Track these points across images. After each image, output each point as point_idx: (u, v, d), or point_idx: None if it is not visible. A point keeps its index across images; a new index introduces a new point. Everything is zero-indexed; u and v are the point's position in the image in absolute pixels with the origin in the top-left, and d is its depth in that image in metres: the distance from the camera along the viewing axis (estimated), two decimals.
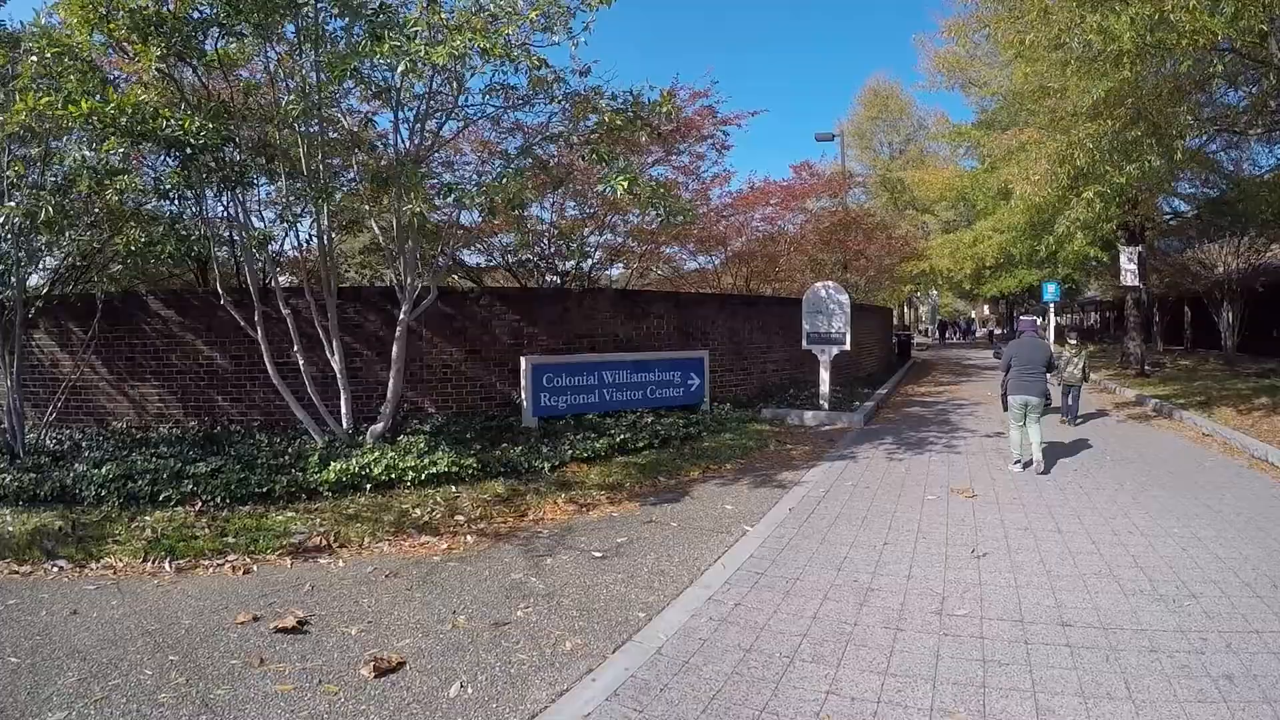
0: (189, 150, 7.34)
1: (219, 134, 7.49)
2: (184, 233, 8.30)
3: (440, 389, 10.97)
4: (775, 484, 8.58)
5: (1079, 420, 13.16)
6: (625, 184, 7.35)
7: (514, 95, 9.10)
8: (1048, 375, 9.29)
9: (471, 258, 17.34)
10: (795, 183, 18.73)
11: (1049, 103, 12.77)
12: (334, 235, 10.90)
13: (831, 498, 7.88)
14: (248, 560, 6.01)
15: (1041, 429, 9.20)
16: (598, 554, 6.11)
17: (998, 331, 62.17)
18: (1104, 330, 43.70)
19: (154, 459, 8.08)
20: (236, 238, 9.93)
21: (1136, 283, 19.60)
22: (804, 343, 14.01)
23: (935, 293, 58.10)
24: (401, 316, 8.88)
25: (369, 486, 7.85)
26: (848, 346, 13.83)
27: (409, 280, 8.88)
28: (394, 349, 9.02)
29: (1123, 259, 19.57)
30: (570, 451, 9.19)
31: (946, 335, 64.13)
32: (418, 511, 7.33)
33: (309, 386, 9.01)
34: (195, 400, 10.62)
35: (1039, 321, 10.40)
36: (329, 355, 9.20)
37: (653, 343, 12.76)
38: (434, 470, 8.15)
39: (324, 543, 6.43)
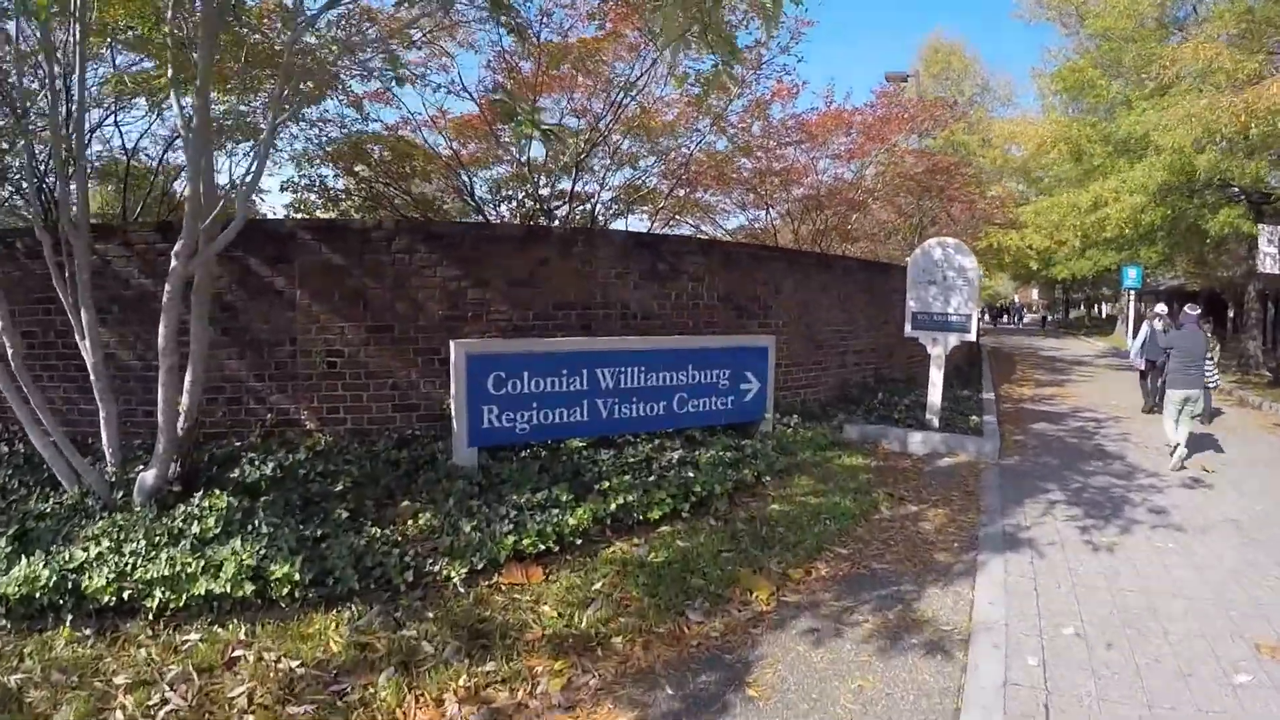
0: None
1: None
2: None
3: (324, 392, 6.57)
4: (925, 628, 4.19)
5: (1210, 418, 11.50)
6: None
7: None
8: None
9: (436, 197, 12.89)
10: (881, 110, 13.90)
11: None
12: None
13: (1053, 676, 3.51)
14: None
15: (1190, 422, 8.72)
16: None
17: (1050, 318, 57.19)
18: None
19: None
20: None
21: (1278, 269, 15.07)
22: (908, 327, 9.41)
23: (980, 271, 52.56)
24: (174, 262, 4.47)
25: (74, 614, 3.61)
26: (973, 336, 9.22)
27: (199, 188, 4.46)
28: (168, 321, 4.62)
29: (1262, 239, 15.16)
30: (512, 533, 4.73)
31: (1000, 320, 59.05)
32: None
33: (31, 398, 4.67)
34: None
35: (1198, 312, 9.67)
36: (79, 338, 4.87)
37: (684, 320, 8.30)
38: (213, 586, 3.82)
39: None
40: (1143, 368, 12.54)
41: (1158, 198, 16.03)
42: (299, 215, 12.72)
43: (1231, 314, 31.14)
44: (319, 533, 4.47)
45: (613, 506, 5.30)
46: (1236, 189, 16.60)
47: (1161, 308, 12.68)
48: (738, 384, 7.57)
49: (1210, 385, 10.66)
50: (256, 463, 5.41)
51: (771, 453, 7.22)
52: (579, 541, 5.01)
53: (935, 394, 9.23)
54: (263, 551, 4.03)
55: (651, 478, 5.93)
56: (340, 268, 6.53)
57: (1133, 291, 27.64)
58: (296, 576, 3.93)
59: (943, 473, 7.87)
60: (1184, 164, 14.69)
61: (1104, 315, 52.78)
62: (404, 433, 6.62)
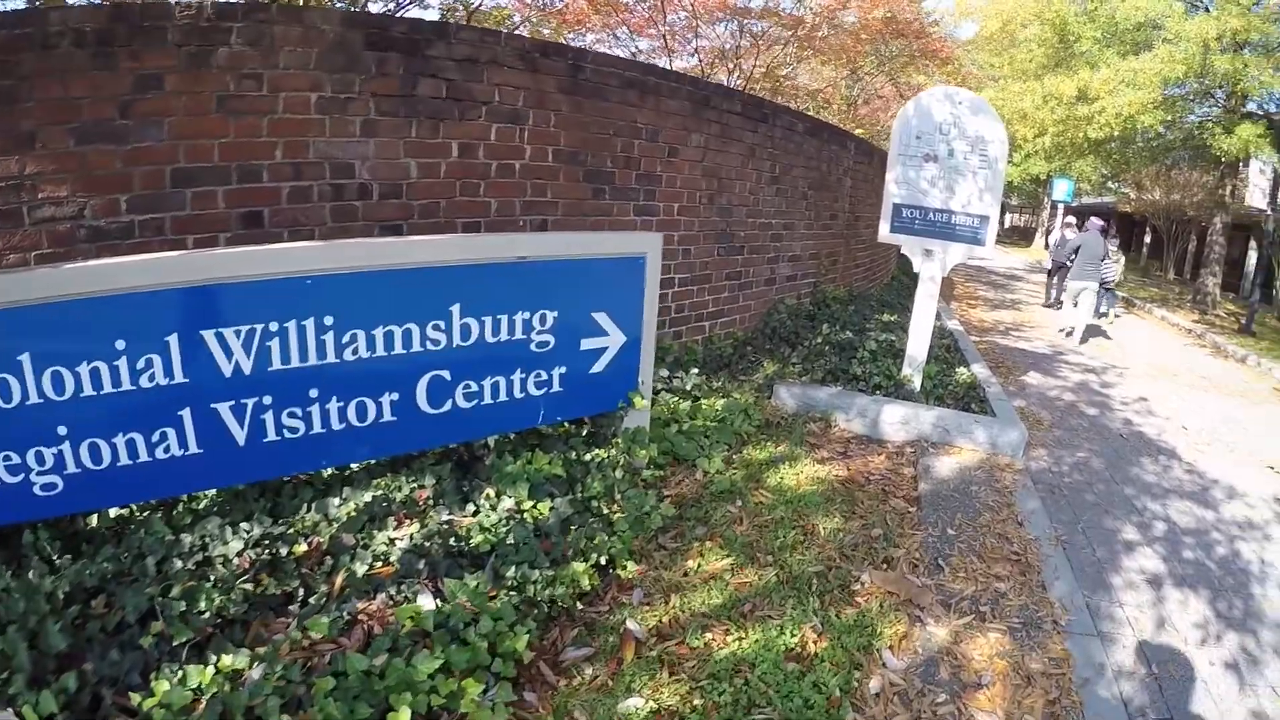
0: None
1: None
2: None
3: None
4: None
5: (1113, 316, 13.32)
6: None
7: None
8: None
9: None
10: None
11: None
12: None
13: None
14: None
15: (1087, 312, 10.56)
16: None
17: None
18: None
19: None
20: None
21: (1265, 205, 12.75)
22: (884, 227, 5.71)
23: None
24: None
25: None
26: (989, 250, 5.58)
27: None
28: None
29: (1254, 168, 13.90)
30: None
31: None
32: None
33: None
34: None
35: (1101, 225, 11.10)
36: None
37: (480, 201, 4.46)
38: None
39: None
40: (1051, 268, 14.41)
41: (1159, 100, 13.31)
42: None
43: (1149, 239, 29.51)
44: None
45: None
46: (1256, 103, 14.23)
47: (1071, 219, 14.61)
48: (576, 340, 3.63)
49: (1107, 281, 12.00)
50: None
51: (641, 487, 3.67)
52: None
53: (920, 338, 5.72)
54: None
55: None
56: None
57: (1062, 205, 25.30)
58: None
59: (951, 497, 4.42)
60: (1204, 63, 12.18)
61: (1009, 227, 51.82)
62: None
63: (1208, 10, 13.13)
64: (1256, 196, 13.00)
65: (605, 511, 3.43)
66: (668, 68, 10.38)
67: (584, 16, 10.86)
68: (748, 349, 6.15)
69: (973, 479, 4.69)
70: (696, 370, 5.16)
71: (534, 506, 3.23)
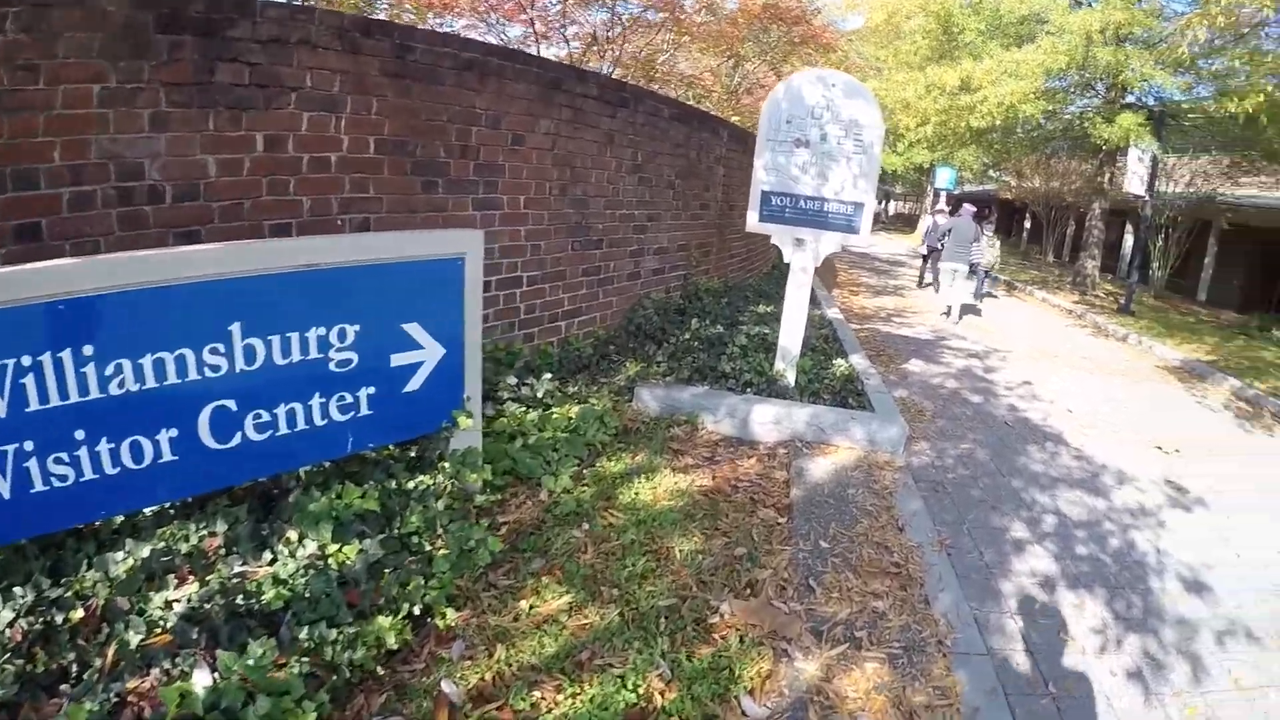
0: None
1: None
2: None
3: None
4: None
5: (985, 298, 13.92)
6: None
7: None
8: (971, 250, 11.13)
9: None
10: None
11: None
12: None
13: None
14: None
15: (961, 292, 11.11)
16: None
17: None
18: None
19: None
20: None
21: (1143, 191, 13.66)
22: (752, 216, 5.33)
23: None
24: None
25: None
26: (864, 238, 5.27)
27: None
28: None
29: (1132, 156, 13.56)
30: None
31: None
32: None
33: None
34: None
35: (974, 210, 12.03)
36: None
37: (287, 203, 3.82)
38: None
39: None
40: (925, 253, 14.87)
41: (1041, 90, 13.49)
42: None
43: (1029, 225, 30.59)
44: None
45: None
46: (1135, 95, 14.82)
47: (944, 205, 16.01)
48: (385, 356, 3.08)
49: (974, 262, 12.07)
50: None
51: (473, 515, 3.26)
52: None
53: (793, 331, 5.37)
54: None
55: None
56: None
57: (944, 193, 25.92)
58: None
59: (826, 503, 4.08)
60: (1087, 54, 12.47)
61: (894, 214, 53.22)
62: None
63: (1091, 5, 13.42)
64: (1134, 183, 13.33)
65: (429, 548, 2.93)
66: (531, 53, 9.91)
67: (452, 1, 10.24)
68: (610, 348, 5.69)
69: (850, 481, 4.37)
70: (550, 375, 4.67)
71: (340, 549, 2.70)
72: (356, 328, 2.91)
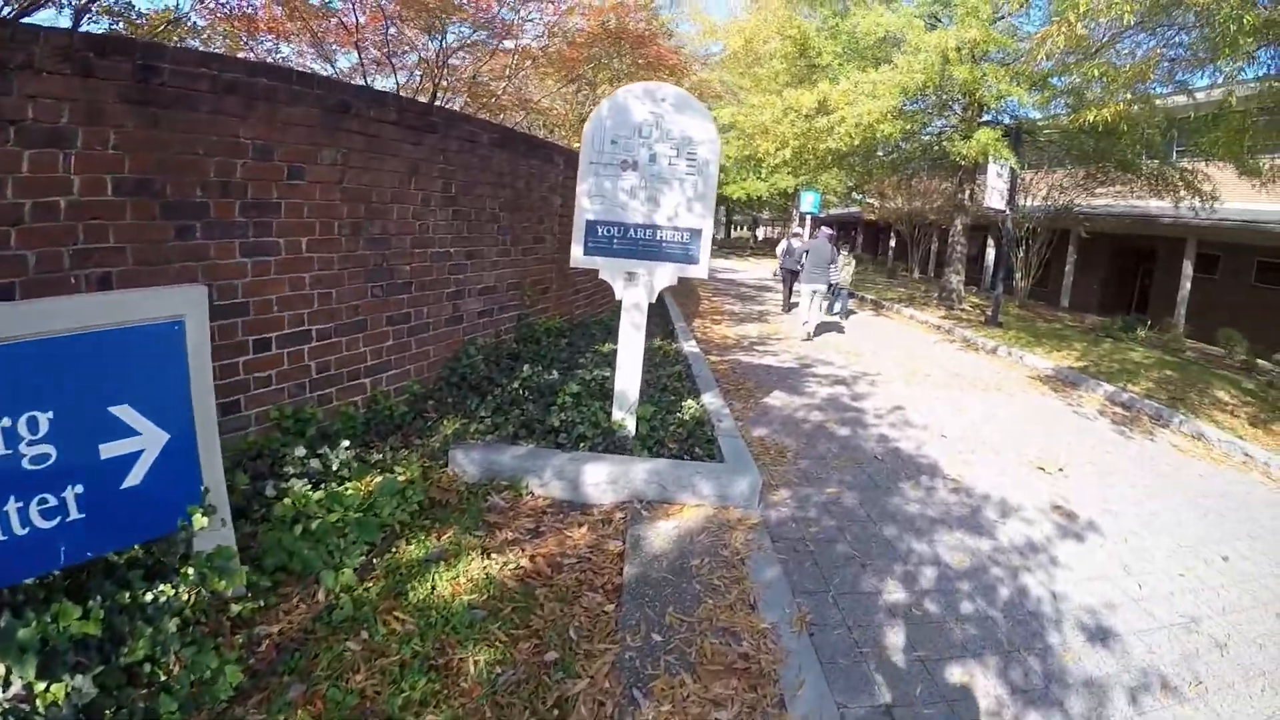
0: None
1: None
2: None
3: None
4: None
5: (847, 315, 14.56)
6: None
7: None
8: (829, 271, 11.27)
9: None
10: None
11: None
12: None
13: None
14: None
15: (820, 312, 11.44)
16: None
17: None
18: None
19: None
20: None
21: (1003, 205, 13.85)
22: (577, 250, 4.74)
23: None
24: None
25: None
26: (703, 269, 4.77)
27: None
28: None
29: (991, 172, 13.61)
30: None
31: None
32: None
33: None
34: None
35: (830, 232, 12.17)
36: None
37: None
38: None
39: None
40: (785, 277, 15.11)
41: (898, 110, 13.66)
42: None
43: (894, 244, 31.54)
44: None
45: None
46: (991, 114, 15.26)
47: (796, 228, 16.36)
48: (92, 447, 2.37)
49: (834, 282, 12.50)
50: None
51: (226, 629, 2.68)
52: None
53: (630, 375, 4.79)
54: None
55: None
56: None
57: (809, 216, 26.39)
58: None
59: (664, 580, 3.49)
60: (944, 73, 12.72)
61: (761, 239, 54.35)
62: None
63: (947, 26, 13.69)
64: (994, 198, 13.59)
65: (163, 679, 2.21)
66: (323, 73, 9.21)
67: (278, 24, 9.37)
68: (429, 404, 4.97)
69: (694, 548, 3.78)
70: (348, 444, 3.93)
71: (47, 689, 1.99)
72: (49, 415, 2.28)
